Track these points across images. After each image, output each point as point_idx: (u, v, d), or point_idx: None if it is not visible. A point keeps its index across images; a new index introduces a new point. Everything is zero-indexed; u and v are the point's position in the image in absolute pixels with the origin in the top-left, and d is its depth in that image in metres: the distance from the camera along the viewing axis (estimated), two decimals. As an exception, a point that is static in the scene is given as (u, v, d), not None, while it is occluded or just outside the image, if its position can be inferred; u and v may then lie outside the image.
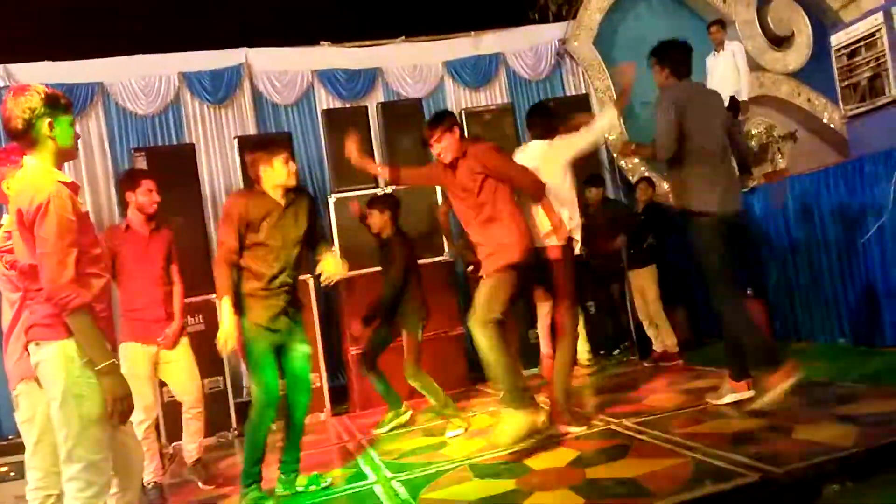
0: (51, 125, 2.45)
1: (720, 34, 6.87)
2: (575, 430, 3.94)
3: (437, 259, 6.04)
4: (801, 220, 5.48)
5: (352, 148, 4.16)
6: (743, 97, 6.78)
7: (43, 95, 2.44)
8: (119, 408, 2.34)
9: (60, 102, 2.50)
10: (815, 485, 2.76)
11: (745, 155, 4.47)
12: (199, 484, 4.29)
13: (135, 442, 2.70)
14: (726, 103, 6.38)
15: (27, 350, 2.43)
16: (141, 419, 3.92)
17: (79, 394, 2.33)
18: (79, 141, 2.61)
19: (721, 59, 6.84)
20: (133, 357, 4.04)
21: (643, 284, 5.81)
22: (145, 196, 4.15)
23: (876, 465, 2.82)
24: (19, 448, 4.85)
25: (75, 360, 2.34)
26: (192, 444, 4.33)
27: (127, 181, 4.27)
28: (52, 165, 2.46)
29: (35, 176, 2.41)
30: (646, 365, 5.77)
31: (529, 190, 3.90)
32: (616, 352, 6.41)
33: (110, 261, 3.99)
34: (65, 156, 2.55)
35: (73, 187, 2.48)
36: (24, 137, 2.44)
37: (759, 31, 8.35)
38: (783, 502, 2.74)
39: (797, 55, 8.29)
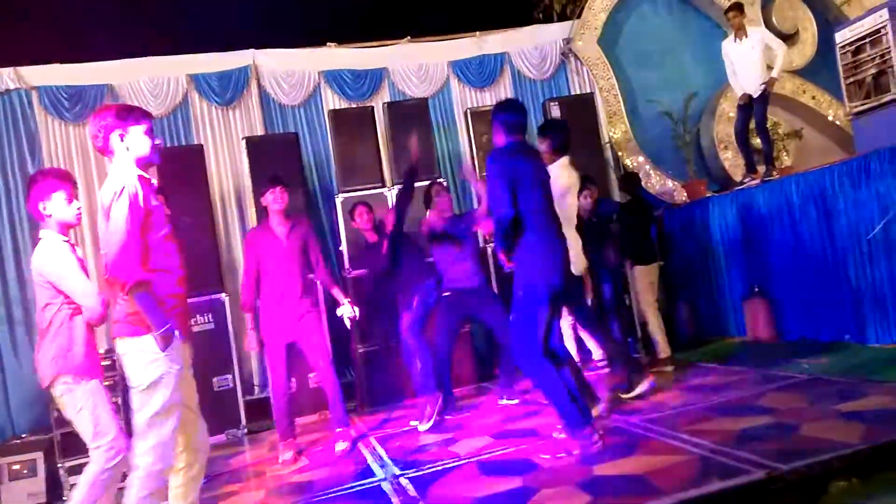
0: (122, 136, 2.70)
1: (739, 18, 6.43)
2: None
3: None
4: (806, 218, 5.48)
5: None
6: (775, 74, 6.35)
7: (114, 110, 2.72)
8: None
9: (132, 114, 2.74)
10: (822, 482, 2.77)
11: None
12: None
13: (202, 422, 2.93)
14: (756, 93, 6.32)
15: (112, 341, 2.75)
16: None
17: (155, 384, 2.59)
18: (160, 145, 2.81)
19: (746, 46, 6.42)
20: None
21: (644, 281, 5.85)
22: None
23: (882, 463, 2.83)
24: (32, 447, 4.93)
25: (152, 354, 2.60)
26: None
27: None
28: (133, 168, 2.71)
29: (116, 173, 2.66)
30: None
31: None
32: None
33: None
34: (143, 162, 2.76)
35: (149, 183, 2.71)
36: (104, 150, 2.73)
37: (764, 28, 8.33)
38: (789, 499, 2.74)
39: (802, 52, 8.27)
